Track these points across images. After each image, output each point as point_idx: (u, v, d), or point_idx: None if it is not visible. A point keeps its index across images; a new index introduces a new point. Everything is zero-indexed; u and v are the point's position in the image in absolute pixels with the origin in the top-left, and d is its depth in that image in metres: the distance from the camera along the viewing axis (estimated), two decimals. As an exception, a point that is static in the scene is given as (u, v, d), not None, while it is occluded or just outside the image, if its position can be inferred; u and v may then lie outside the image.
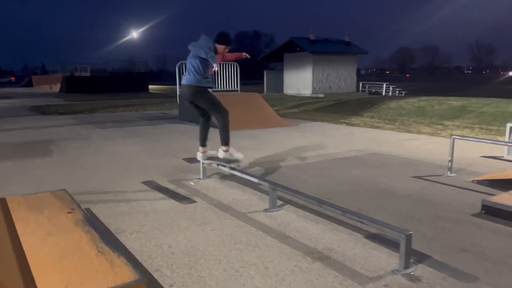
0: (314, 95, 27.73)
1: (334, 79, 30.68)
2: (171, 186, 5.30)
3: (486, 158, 7.18)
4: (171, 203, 4.61)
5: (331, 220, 3.98)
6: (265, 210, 4.32)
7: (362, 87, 33.39)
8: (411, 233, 2.98)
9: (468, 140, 6.62)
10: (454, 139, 6.06)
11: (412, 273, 2.91)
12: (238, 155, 5.24)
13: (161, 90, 42.70)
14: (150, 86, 40.99)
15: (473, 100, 16.55)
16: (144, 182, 5.51)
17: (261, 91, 27.42)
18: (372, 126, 12.33)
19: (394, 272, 2.94)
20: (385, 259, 3.15)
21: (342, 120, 13.77)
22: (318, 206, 4.04)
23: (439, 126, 11.91)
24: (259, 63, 45.28)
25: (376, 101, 19.26)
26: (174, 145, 8.62)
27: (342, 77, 31.14)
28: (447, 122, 12.73)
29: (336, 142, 9.06)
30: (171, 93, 31.20)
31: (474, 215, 4.16)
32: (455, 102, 16.28)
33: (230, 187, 5.26)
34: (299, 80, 30.56)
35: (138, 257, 3.21)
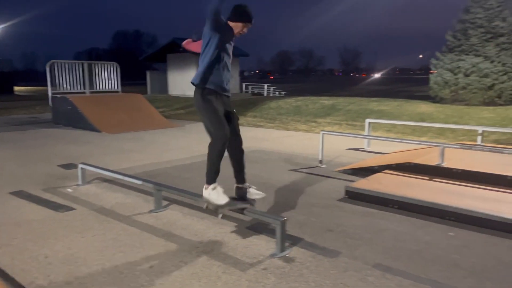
0: (199, 96, 27.85)
1: (218, 80, 31.21)
2: (46, 195, 4.93)
3: (351, 150, 8.15)
4: (46, 212, 4.31)
5: (216, 215, 4.16)
6: (150, 211, 4.31)
7: (245, 88, 34.63)
8: (285, 219, 3.31)
9: (335, 134, 7.44)
10: (323, 134, 6.77)
11: (287, 255, 3.24)
12: (221, 199, 3.58)
13: (29, 91, 38.51)
14: (16, 88, 36.71)
15: (341, 100, 18.45)
16: (13, 193, 5.02)
17: (144, 92, 26.61)
18: (255, 125, 12.96)
19: (272, 256, 3.23)
20: (264, 246, 3.43)
21: (227, 120, 14.18)
22: (203, 203, 4.19)
23: (313, 123, 13.05)
24: (142, 64, 43.78)
25: (258, 101, 20.22)
26: (49, 151, 7.96)
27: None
28: (320, 120, 14.01)
29: (221, 141, 9.34)
30: (41, 95, 28.36)
31: (339, 200, 4.75)
32: (326, 101, 17.96)
33: (113, 191, 5.10)
34: (184, 81, 30.39)
35: (8, 271, 2.97)
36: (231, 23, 3.51)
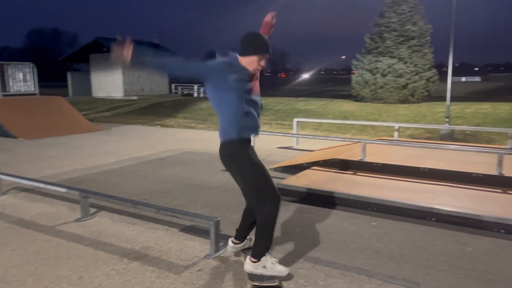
0: (126, 98, 26.88)
1: (146, 81, 30.37)
2: (-46, 209, 4.47)
3: (281, 148, 8.39)
4: (-44, 228, 3.91)
5: (147, 220, 4.07)
6: (77, 220, 4.10)
7: (175, 89, 34.01)
8: (218, 220, 3.34)
9: (265, 134, 7.60)
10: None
11: (222, 255, 3.27)
12: (279, 268, 2.81)
13: None
14: None
15: (270, 100, 18.88)
16: None
17: (65, 94, 25.04)
18: (186, 126, 12.81)
19: (206, 257, 3.24)
20: (198, 247, 3.43)
21: (157, 122, 13.84)
22: (133, 208, 4.08)
23: (244, 123, 13.21)
24: (62, 64, 41.08)
25: (188, 102, 20.00)
26: (-45, 161, 7.20)
27: (154, 79, 31.07)
28: (250, 120, 14.20)
29: (151, 143, 9.11)
30: None
31: (271, 197, 4.87)
32: (256, 101, 18.27)
33: (34, 201, 4.76)
34: (109, 82, 29.14)
35: None
36: (243, 60, 2.67)
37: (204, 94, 33.25)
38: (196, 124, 13.42)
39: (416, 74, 17.63)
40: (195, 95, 32.00)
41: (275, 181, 5.33)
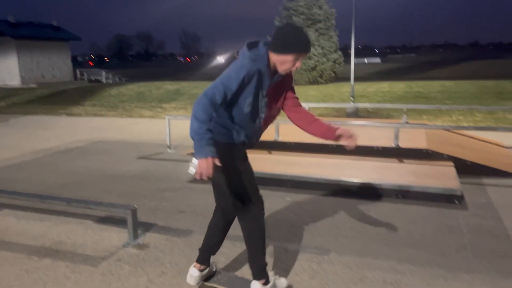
0: (24, 86, 24.50)
1: (47, 67, 27.94)
2: None
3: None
4: None
5: (58, 215, 3.84)
6: (-26, 221, 3.73)
7: (80, 75, 31.77)
8: (135, 208, 3.28)
9: (181, 119, 7.52)
10: (168, 119, 6.78)
11: (140, 243, 3.23)
12: (281, 282, 2.45)
13: None
14: None
15: (185, 84, 18.58)
16: None
17: (-51, 84, 22.14)
18: (95, 114, 12.13)
19: (124, 246, 3.17)
20: (116, 237, 3.34)
21: (62, 111, 12.90)
22: (41, 203, 3.82)
23: (158, 109, 12.86)
24: None
25: (96, 89, 18.87)
26: None
27: (56, 65, 28.71)
28: (165, 105, 13.88)
29: (57, 134, 8.49)
30: None
31: (189, 181, 4.89)
32: (170, 86, 17.85)
33: None
34: (3, 69, 26.28)
35: None
36: (274, 57, 2.17)
37: (113, 80, 31.57)
38: (106, 111, 12.75)
39: (323, 56, 18.55)
40: (104, 81, 30.25)
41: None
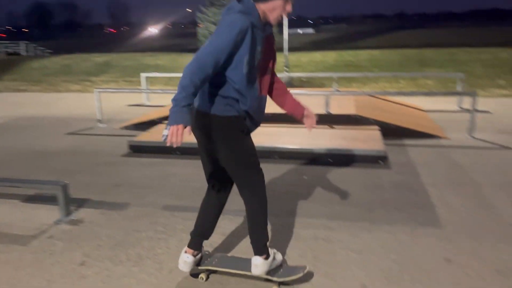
0: None
1: (-45, 39, 25.07)
2: None
3: (131, 106, 8.09)
4: None
5: (-21, 196, 3.59)
6: None
7: (-5, 48, 28.91)
8: (67, 183, 3.16)
9: (112, 91, 7.22)
10: (99, 92, 6.48)
11: (74, 218, 3.13)
12: (279, 256, 2.35)
13: None
14: None
15: (115, 56, 17.69)
16: None
17: None
18: (16, 90, 11.25)
19: (56, 222, 3.06)
20: (46, 215, 3.20)
21: (-24, 87, 11.78)
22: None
23: (87, 83, 12.19)
24: None
25: (15, 62, 17.39)
26: None
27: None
28: (94, 78, 13.17)
29: (-28, 112, 7.79)
30: None
31: (124, 155, 4.77)
32: (99, 58, 16.91)
33: None
34: None
35: None
36: (262, 6, 1.98)
37: (34, 52, 29.16)
38: (28, 86, 11.85)
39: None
40: (24, 53, 27.85)
41: (127, 139, 5.23)
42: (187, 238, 2.55)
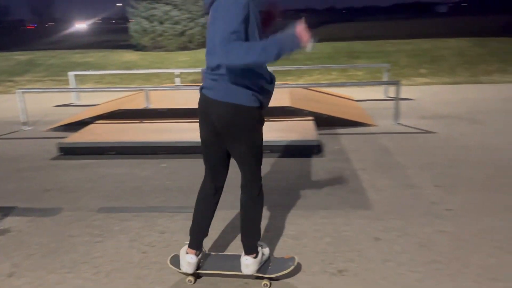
0: None
1: None
2: None
3: (59, 107, 7.65)
4: None
5: None
6: None
7: None
8: (-11, 192, 2.94)
9: (37, 91, 6.79)
10: (22, 93, 6.06)
11: (0, 228, 2.93)
12: (266, 250, 2.32)
13: None
14: None
15: (40, 54, 16.58)
16: None
17: None
18: None
19: (-20, 235, 2.85)
20: (-32, 227, 2.97)
21: None
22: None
23: (9, 83, 11.32)
24: None
25: None
26: None
27: None
28: (17, 78, 12.26)
29: None
30: None
31: (53, 158, 4.52)
32: (21, 56, 15.77)
33: None
34: None
35: None
36: None
37: None
38: None
39: (191, 21, 18.24)
40: None
41: (56, 141, 4.97)
42: (126, 239, 2.50)
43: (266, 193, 3.18)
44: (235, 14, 1.77)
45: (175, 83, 8.87)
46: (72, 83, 8.21)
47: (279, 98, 6.11)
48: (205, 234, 2.29)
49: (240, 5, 1.78)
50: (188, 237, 2.27)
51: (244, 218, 2.20)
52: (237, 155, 2.08)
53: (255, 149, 2.07)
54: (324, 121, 5.45)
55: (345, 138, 5.01)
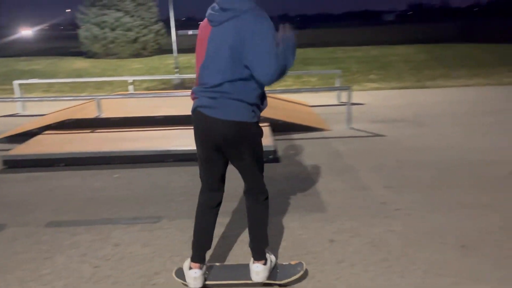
0: None
1: None
2: None
3: (3, 117, 7.26)
4: None
5: None
6: None
7: None
8: None
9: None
10: (-39, 103, 5.69)
11: None
12: (272, 257, 2.34)
13: None
14: None
15: (-19, 61, 15.66)
16: None
17: None
18: None
19: None
20: None
21: None
22: None
23: None
24: None
25: None
26: None
27: None
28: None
29: None
30: None
31: (-3, 172, 4.28)
32: (-40, 65, 14.83)
33: None
34: None
35: None
36: None
37: None
38: None
39: (144, 28, 17.97)
40: None
41: (0, 154, 4.67)
42: (77, 253, 2.41)
43: (225, 201, 3.17)
44: (271, 33, 1.91)
45: (129, 91, 8.67)
46: (17, 92, 7.81)
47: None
48: (208, 247, 2.27)
49: (269, 23, 1.93)
50: (184, 249, 2.22)
51: (251, 223, 2.25)
52: (242, 168, 2.15)
53: (259, 159, 2.16)
54: (280, 127, 5.53)
55: (300, 143, 5.11)
